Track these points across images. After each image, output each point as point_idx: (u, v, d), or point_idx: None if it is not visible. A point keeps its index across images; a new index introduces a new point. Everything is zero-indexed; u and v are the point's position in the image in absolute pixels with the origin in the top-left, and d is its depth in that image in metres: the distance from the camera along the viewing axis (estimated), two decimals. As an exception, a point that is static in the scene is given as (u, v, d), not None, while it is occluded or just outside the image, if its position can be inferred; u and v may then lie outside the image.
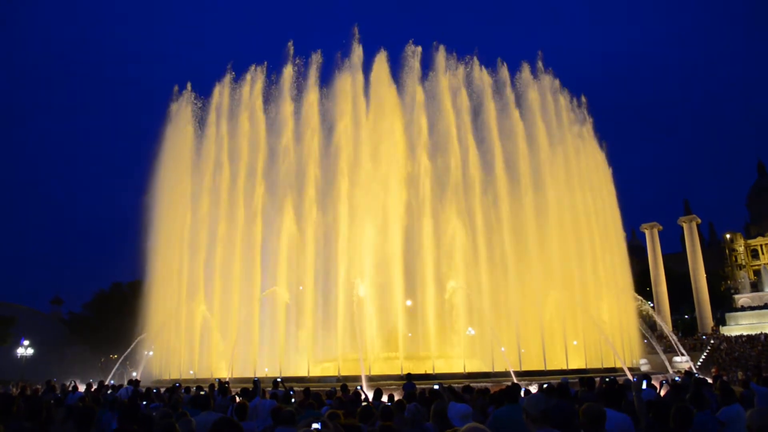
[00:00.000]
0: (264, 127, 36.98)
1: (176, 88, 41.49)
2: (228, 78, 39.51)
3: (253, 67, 38.61)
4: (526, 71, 38.59)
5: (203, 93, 40.52)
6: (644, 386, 13.10)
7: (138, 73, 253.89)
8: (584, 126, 41.31)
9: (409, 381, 18.19)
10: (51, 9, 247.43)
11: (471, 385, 15.87)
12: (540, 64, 39.24)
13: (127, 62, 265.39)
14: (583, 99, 42.28)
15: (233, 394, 15.78)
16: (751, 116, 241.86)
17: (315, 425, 6.06)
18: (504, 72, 37.59)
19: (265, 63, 38.43)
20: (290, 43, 37.59)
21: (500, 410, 8.67)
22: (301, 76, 36.98)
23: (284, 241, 33.80)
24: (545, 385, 16.65)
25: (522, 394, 11.18)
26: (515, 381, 22.26)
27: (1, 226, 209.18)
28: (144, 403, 14.46)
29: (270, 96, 37.85)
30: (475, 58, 37.27)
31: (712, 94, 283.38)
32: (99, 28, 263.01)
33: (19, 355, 59.41)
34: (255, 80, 38.41)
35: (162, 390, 18.77)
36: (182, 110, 40.36)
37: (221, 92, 39.59)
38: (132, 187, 38.70)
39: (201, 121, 39.74)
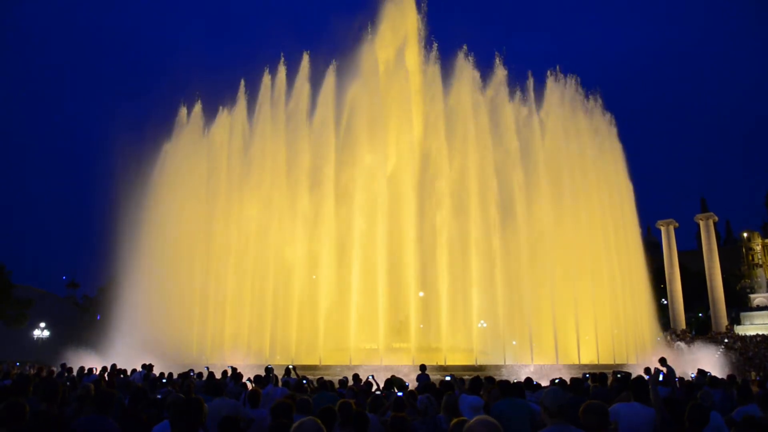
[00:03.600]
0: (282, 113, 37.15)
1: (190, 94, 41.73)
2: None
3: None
4: (543, 65, 38.42)
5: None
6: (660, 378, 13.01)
7: (150, 60, 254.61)
8: (601, 121, 40.91)
9: (422, 372, 18.16)
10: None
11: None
12: (558, 62, 38.99)
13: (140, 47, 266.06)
14: (600, 96, 41.87)
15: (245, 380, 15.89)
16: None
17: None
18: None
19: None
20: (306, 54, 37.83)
21: (498, 403, 8.67)
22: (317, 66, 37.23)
23: (299, 229, 33.98)
24: (557, 380, 16.61)
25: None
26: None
27: (18, 210, 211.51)
28: (163, 379, 14.61)
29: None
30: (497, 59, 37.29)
31: (731, 91, 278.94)
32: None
33: (35, 337, 60.30)
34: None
35: (174, 375, 18.90)
36: (193, 114, 40.54)
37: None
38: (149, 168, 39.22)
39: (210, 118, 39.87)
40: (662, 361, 21.08)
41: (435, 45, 36.97)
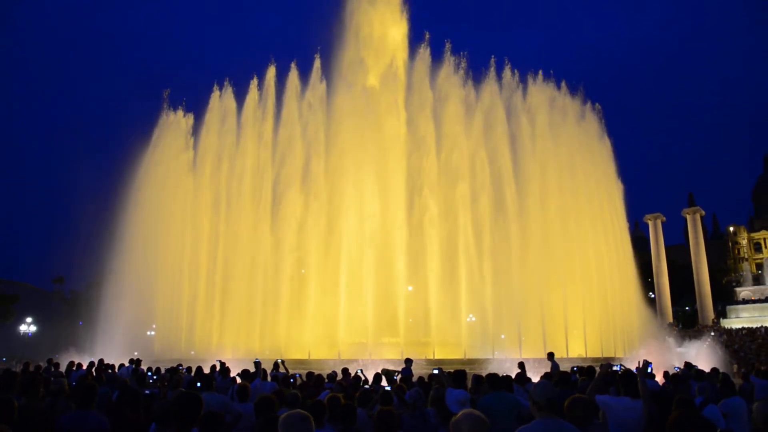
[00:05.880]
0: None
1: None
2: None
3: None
4: (528, 62, 38.52)
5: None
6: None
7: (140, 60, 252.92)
8: (590, 117, 41.03)
9: (407, 366, 18.17)
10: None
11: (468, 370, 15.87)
12: (547, 59, 39.05)
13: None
14: (589, 92, 42.03)
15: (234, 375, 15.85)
16: (758, 109, 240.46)
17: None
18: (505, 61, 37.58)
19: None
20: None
21: (486, 397, 8.68)
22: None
23: (291, 225, 33.88)
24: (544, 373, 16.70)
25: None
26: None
27: (3, 204, 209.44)
28: (150, 374, 14.54)
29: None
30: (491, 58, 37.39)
31: (719, 86, 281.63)
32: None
33: (21, 332, 59.84)
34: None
35: (163, 370, 18.81)
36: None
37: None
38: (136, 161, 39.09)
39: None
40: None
41: (424, 50, 36.96)
